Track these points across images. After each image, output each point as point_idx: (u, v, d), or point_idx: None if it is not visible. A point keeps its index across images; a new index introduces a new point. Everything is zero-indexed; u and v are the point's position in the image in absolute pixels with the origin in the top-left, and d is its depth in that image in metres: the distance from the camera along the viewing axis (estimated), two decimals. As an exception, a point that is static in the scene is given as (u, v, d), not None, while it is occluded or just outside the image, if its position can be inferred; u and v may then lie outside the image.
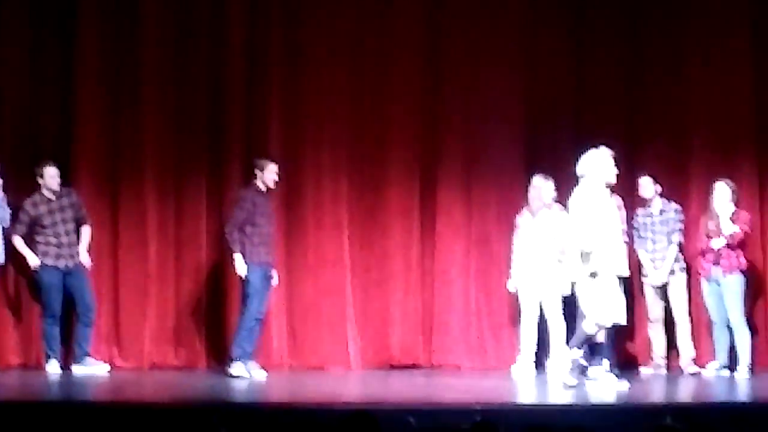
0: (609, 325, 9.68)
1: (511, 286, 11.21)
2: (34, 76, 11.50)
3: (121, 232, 11.29)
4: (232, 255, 10.68)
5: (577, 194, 9.62)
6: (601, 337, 9.64)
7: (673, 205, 11.22)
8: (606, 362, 9.64)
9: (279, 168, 11.04)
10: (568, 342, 10.34)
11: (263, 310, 10.74)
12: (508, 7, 11.74)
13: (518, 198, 11.31)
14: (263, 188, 10.64)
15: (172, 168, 11.39)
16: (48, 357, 10.74)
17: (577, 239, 9.57)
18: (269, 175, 10.66)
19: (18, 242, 10.74)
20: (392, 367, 11.31)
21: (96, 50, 11.46)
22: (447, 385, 10.45)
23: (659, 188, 11.18)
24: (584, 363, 9.88)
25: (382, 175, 11.57)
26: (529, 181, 11.16)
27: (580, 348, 9.55)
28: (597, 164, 9.51)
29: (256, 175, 10.63)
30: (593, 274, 9.59)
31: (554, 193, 11.00)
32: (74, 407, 8.75)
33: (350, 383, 10.75)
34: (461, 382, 10.75)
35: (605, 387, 9.43)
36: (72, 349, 10.84)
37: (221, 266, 11.23)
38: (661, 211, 11.22)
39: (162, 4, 11.52)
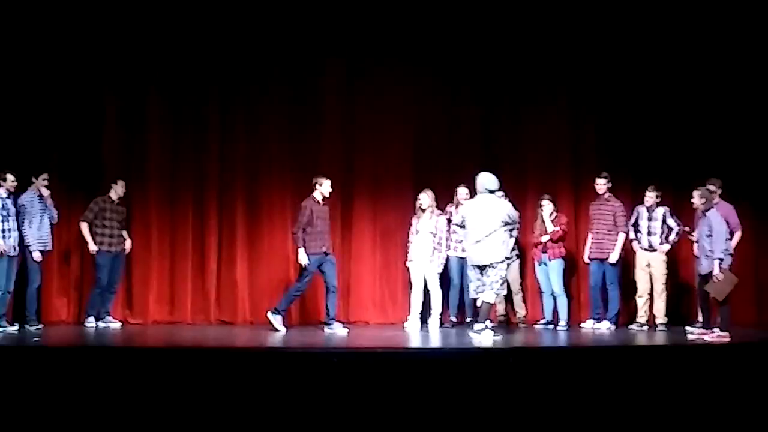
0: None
1: (409, 264, 11.77)
2: None
3: None
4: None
5: (498, 203, 10.22)
6: (478, 303, 10.23)
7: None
8: (488, 321, 10.18)
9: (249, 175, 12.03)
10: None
11: None
12: (402, 82, 12.37)
13: (409, 204, 11.97)
14: (320, 198, 10.96)
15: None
16: None
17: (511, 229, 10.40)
18: (325, 188, 10.93)
19: None
20: (320, 323, 11.48)
21: None
22: (359, 335, 10.73)
23: (507, 199, 11.71)
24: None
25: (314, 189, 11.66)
26: (416, 194, 11.82)
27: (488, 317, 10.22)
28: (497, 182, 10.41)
29: (315, 188, 11.00)
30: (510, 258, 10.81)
31: (432, 202, 11.63)
32: None
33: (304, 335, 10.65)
34: (369, 333, 11.13)
35: (486, 337, 9.85)
36: None
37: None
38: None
39: None
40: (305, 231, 10.76)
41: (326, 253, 10.90)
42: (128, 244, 11.46)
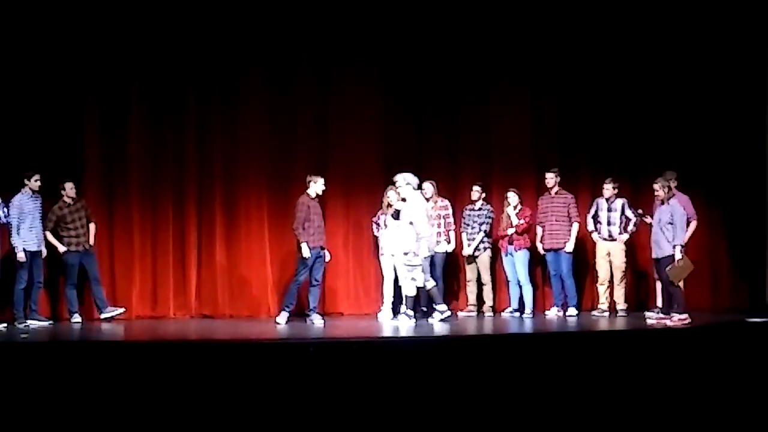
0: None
1: (380, 257, 11.88)
2: None
3: None
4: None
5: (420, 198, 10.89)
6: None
7: (488, 206, 12.29)
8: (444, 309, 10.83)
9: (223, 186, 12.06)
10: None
11: None
12: (372, 83, 12.46)
13: (380, 200, 11.89)
14: (314, 195, 11.06)
15: None
16: None
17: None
18: (318, 186, 11.00)
19: None
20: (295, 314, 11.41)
21: None
22: (334, 325, 10.86)
23: (483, 194, 12.14)
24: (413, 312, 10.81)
25: (289, 186, 12.01)
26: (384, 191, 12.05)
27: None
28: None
29: (308, 185, 11.13)
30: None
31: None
32: None
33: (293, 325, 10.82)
34: (344, 324, 11.30)
35: (441, 323, 10.44)
36: None
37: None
38: (480, 209, 12.12)
39: None
40: (304, 227, 10.91)
41: (322, 247, 11.08)
42: (92, 228, 11.35)
